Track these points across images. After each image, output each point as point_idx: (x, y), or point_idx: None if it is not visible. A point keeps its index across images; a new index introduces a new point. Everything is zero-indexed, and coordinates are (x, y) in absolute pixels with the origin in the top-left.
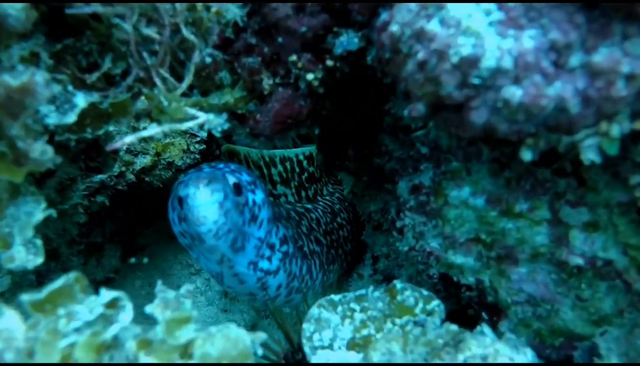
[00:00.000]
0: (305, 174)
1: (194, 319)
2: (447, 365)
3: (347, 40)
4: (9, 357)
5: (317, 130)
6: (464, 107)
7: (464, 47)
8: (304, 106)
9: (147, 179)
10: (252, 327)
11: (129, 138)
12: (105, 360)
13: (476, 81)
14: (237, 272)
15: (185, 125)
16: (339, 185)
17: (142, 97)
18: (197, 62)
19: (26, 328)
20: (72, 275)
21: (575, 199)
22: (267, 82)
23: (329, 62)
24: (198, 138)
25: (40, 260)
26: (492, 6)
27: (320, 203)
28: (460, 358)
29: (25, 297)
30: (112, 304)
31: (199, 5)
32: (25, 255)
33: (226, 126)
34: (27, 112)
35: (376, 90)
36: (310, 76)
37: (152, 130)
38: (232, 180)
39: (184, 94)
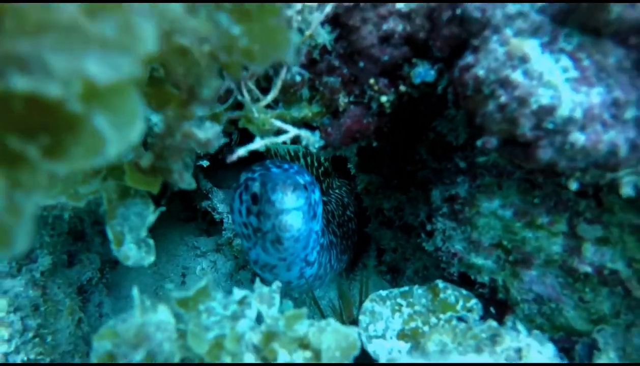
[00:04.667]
0: (322, 168)
1: (306, 315)
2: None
3: (424, 72)
4: (167, 346)
5: (374, 142)
6: (532, 144)
7: (543, 97)
8: (371, 123)
9: None
10: None
11: (241, 151)
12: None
13: (550, 126)
14: (291, 266)
15: (282, 139)
16: (344, 179)
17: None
18: (284, 79)
19: (175, 321)
20: (209, 277)
21: (592, 217)
22: (342, 100)
23: (402, 88)
24: None
25: (152, 258)
26: (569, 64)
27: (333, 196)
28: (497, 350)
29: (175, 294)
30: (242, 301)
31: (295, 31)
32: (138, 253)
33: (322, 143)
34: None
35: (430, 111)
36: (384, 98)
37: (257, 143)
38: (301, 182)
39: (268, 106)
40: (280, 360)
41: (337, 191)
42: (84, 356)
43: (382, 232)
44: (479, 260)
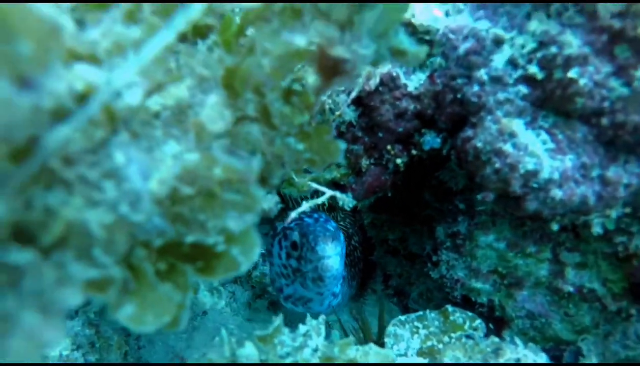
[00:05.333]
0: (326, 205)
1: (354, 342)
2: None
3: (432, 140)
4: None
5: (389, 193)
6: (521, 198)
7: (529, 164)
8: (388, 179)
9: None
10: None
11: (293, 214)
12: None
13: (535, 185)
14: (323, 298)
15: (322, 200)
16: (347, 212)
17: None
18: None
19: (257, 354)
20: (278, 319)
21: (572, 246)
22: (364, 162)
23: (414, 152)
24: None
25: (223, 303)
26: (547, 138)
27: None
28: (500, 361)
29: (258, 333)
30: (305, 334)
31: (327, 111)
32: (212, 298)
33: (353, 203)
34: None
35: (434, 165)
36: (399, 160)
37: (304, 206)
38: (333, 230)
39: (304, 170)
40: None
41: (341, 223)
42: None
43: (388, 259)
44: (478, 285)
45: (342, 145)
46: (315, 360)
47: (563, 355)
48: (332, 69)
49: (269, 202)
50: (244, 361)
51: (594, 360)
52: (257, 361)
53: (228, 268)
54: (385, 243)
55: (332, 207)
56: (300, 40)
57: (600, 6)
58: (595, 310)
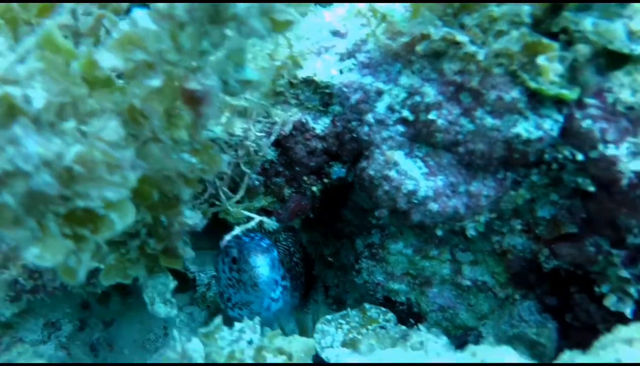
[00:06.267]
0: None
1: (281, 334)
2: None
3: (338, 170)
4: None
5: (311, 215)
6: (407, 212)
7: (410, 185)
8: (307, 204)
9: None
10: None
11: (228, 237)
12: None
13: (415, 201)
14: (263, 300)
15: (251, 225)
16: (287, 233)
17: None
18: (247, 183)
19: (202, 347)
20: (218, 319)
21: (464, 247)
22: (287, 192)
23: (326, 180)
24: None
25: (175, 311)
26: (422, 164)
27: (281, 247)
28: (407, 344)
29: (202, 330)
30: (240, 330)
31: (252, 152)
32: (165, 309)
33: (276, 225)
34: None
35: (345, 189)
36: (314, 188)
37: (237, 230)
38: (265, 246)
39: (238, 202)
40: (267, 361)
41: (284, 243)
42: None
43: (326, 272)
44: (395, 286)
45: (225, 157)
46: (250, 350)
47: (468, 339)
48: (192, 99)
49: (194, 219)
50: (191, 352)
51: (491, 340)
52: (202, 354)
53: (109, 228)
54: (323, 257)
55: (276, 231)
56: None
57: (445, 66)
58: (491, 299)
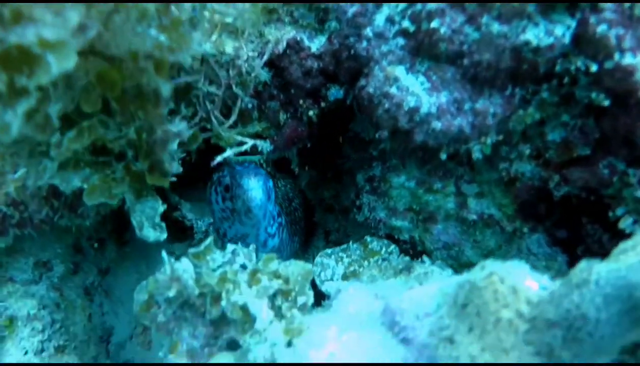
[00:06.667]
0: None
1: (277, 257)
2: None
3: (335, 92)
4: (190, 282)
5: (309, 143)
6: (409, 132)
7: (411, 102)
8: (304, 130)
9: None
10: None
11: (219, 158)
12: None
13: (417, 119)
14: (259, 233)
15: (244, 147)
16: (287, 180)
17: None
18: (240, 106)
19: (192, 267)
20: (210, 238)
21: (470, 179)
22: (282, 117)
23: (323, 104)
24: None
25: (165, 235)
26: (424, 79)
27: (279, 192)
28: (411, 276)
29: (192, 250)
30: (233, 252)
31: (244, 73)
32: (154, 233)
33: (270, 148)
34: (174, 143)
35: (344, 117)
36: (310, 112)
37: (228, 152)
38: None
39: (230, 127)
40: (262, 284)
41: (282, 189)
42: (98, 343)
43: (326, 217)
44: (398, 223)
45: (196, 35)
46: (245, 275)
47: None
48: None
49: (178, 126)
50: (180, 272)
51: None
52: (192, 274)
53: (45, 70)
54: (323, 202)
55: (271, 174)
56: None
57: None
58: (497, 234)
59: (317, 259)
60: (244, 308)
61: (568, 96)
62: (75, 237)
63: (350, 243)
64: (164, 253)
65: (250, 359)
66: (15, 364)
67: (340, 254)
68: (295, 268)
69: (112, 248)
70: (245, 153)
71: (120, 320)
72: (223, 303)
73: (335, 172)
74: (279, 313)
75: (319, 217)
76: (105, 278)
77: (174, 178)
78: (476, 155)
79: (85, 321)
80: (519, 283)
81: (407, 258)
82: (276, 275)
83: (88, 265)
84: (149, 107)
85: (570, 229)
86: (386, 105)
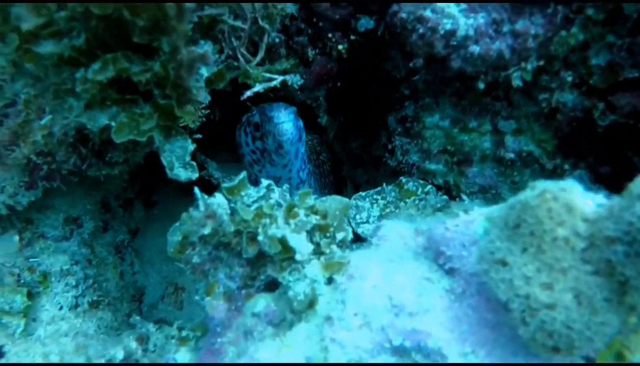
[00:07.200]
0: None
1: (312, 193)
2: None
3: (366, 22)
4: (226, 218)
5: (338, 83)
6: (445, 59)
7: (447, 24)
8: (334, 67)
9: None
10: None
11: (248, 93)
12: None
13: (454, 43)
14: (291, 176)
15: (273, 83)
16: (314, 135)
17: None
18: (267, 42)
19: (227, 202)
20: (244, 172)
21: (507, 115)
22: (310, 53)
23: (352, 37)
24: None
25: (196, 174)
26: None
27: (307, 145)
28: (448, 213)
29: (225, 185)
30: (267, 187)
31: (270, 5)
32: (185, 172)
33: (301, 82)
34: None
35: (375, 54)
36: (340, 47)
37: (257, 87)
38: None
39: (258, 64)
40: (300, 218)
41: (309, 143)
42: (130, 301)
43: (355, 171)
44: (432, 166)
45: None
46: (281, 212)
47: None
48: None
49: (203, 47)
50: (215, 207)
51: None
52: (227, 209)
53: None
54: (351, 154)
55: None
56: None
57: None
58: (536, 173)
59: (351, 201)
60: (283, 241)
61: (615, 12)
62: (103, 195)
63: (385, 185)
64: (196, 190)
65: (290, 296)
66: (19, 364)
67: (375, 196)
68: (332, 202)
69: (139, 209)
70: (274, 89)
71: (151, 280)
72: (260, 238)
73: (364, 119)
74: (317, 250)
75: (348, 171)
76: (135, 240)
77: (199, 135)
78: (516, 82)
79: (117, 279)
80: (574, 200)
81: (445, 197)
82: (313, 210)
83: (117, 224)
84: (172, 22)
85: (615, 164)
86: (420, 30)
